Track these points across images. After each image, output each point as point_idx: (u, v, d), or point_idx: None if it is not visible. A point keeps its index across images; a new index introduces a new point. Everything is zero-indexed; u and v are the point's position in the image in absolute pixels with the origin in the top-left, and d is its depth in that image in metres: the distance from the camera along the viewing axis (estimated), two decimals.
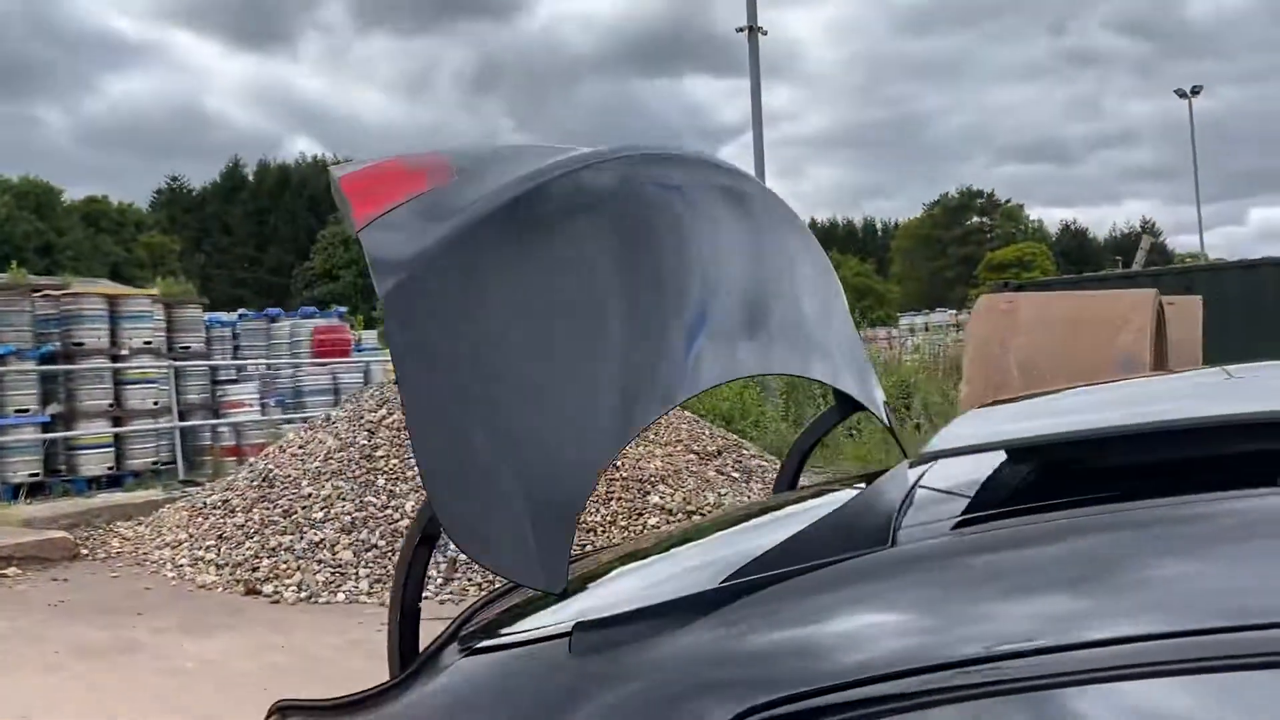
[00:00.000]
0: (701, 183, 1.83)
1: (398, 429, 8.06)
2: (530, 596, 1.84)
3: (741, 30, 15.23)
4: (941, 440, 1.14)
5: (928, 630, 0.97)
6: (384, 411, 8.31)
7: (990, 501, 1.12)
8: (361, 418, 8.32)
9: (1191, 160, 40.57)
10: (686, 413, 9.65)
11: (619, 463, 7.85)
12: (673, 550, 1.75)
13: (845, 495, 1.67)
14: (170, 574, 7.28)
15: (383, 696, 1.50)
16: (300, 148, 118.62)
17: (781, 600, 1.11)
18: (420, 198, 1.53)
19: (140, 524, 8.72)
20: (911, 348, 21.48)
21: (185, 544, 7.70)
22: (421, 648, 1.76)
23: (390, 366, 13.84)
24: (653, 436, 8.55)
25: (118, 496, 9.69)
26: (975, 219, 73.34)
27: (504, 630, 1.58)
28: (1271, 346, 10.70)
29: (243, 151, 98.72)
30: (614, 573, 1.68)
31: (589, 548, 7.05)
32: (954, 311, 31.16)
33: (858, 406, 2.26)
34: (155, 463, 11.27)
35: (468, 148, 1.79)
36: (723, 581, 1.27)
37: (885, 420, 2.34)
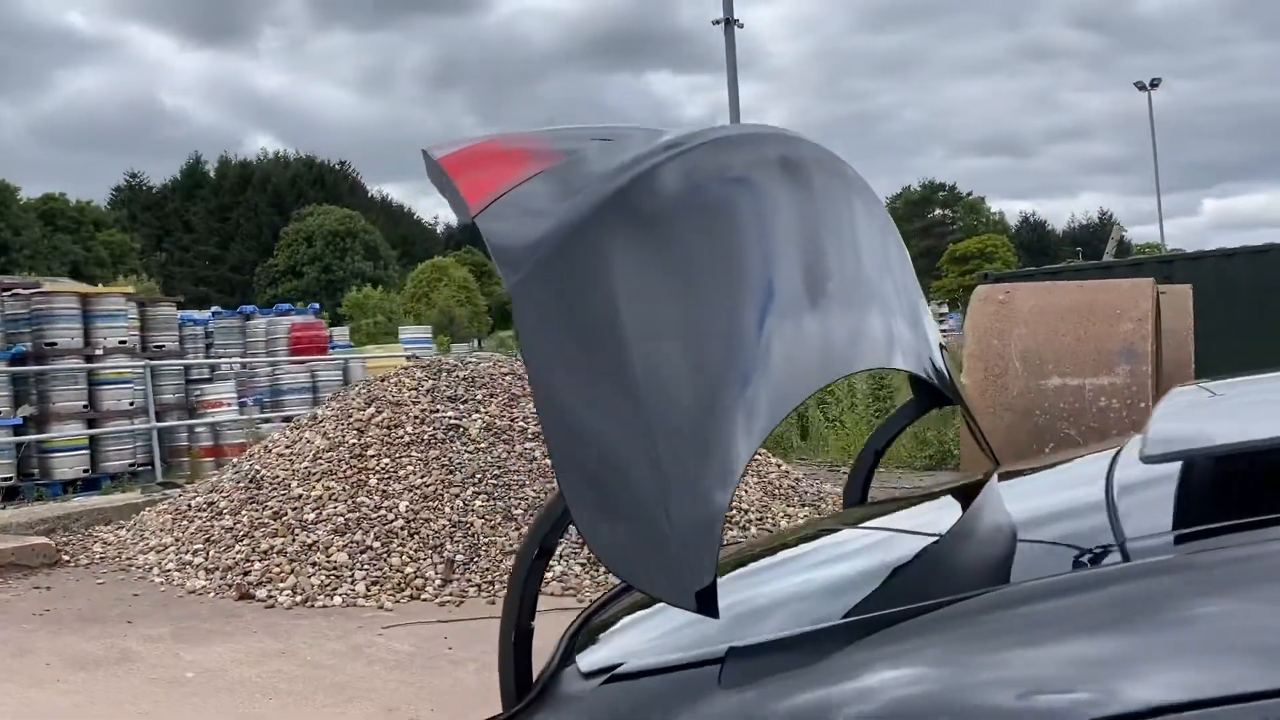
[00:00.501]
0: (800, 160, 1.73)
1: (388, 427, 7.91)
2: (632, 605, 1.73)
3: (718, 23, 15.15)
4: (1170, 439, 1.03)
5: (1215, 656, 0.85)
6: (372, 410, 8.14)
7: (1222, 510, 1.02)
8: (350, 416, 8.15)
9: (1145, 152, 41.12)
10: None
11: None
12: (806, 558, 1.64)
13: (993, 502, 1.57)
14: (158, 579, 7.09)
15: None
16: (261, 144, 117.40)
17: (1012, 624, 0.98)
18: (533, 181, 1.42)
19: (121, 528, 8.50)
20: None
21: (171, 548, 7.51)
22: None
23: (369, 365, 13.65)
24: None
25: (95, 500, 9.45)
26: (937, 211, 73.80)
27: (627, 651, 1.47)
28: (1249, 333, 10.77)
29: (203, 148, 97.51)
30: (738, 582, 1.58)
31: None
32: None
33: (939, 400, 2.16)
34: (132, 464, 11.01)
35: (561, 130, 1.69)
36: (894, 601, 1.17)
37: (971, 414, 2.25)
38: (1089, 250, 55.70)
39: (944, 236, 66.88)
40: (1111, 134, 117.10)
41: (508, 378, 8.61)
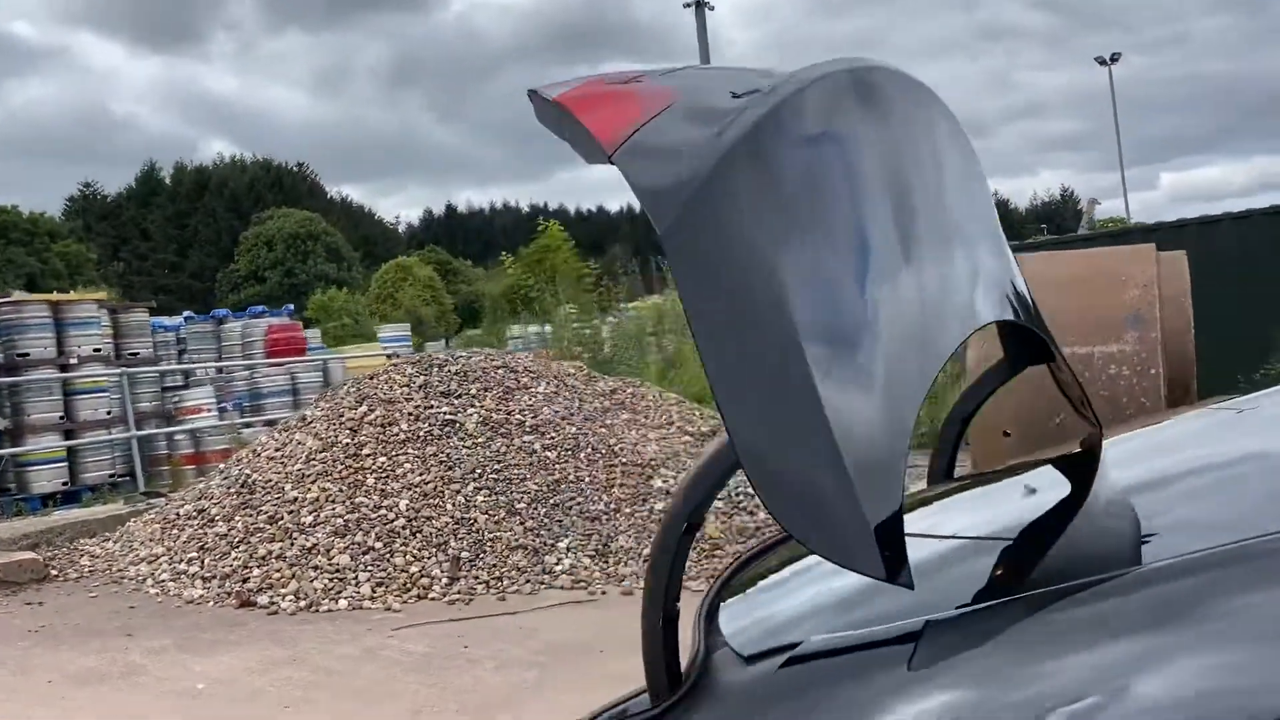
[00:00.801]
0: (902, 91, 1.62)
1: (381, 425, 7.73)
2: (757, 578, 1.60)
3: (689, 5, 15.05)
4: None
5: None
6: (364, 408, 7.94)
7: None
8: (341, 415, 7.95)
9: (1102, 128, 41.50)
10: (671, 394, 9.45)
11: (617, 447, 7.61)
12: (975, 518, 1.52)
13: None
14: (153, 590, 6.87)
15: None
16: (217, 149, 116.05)
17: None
18: (662, 117, 1.29)
19: (107, 540, 8.25)
20: None
21: (163, 558, 7.29)
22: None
23: (349, 365, 13.41)
24: (645, 420, 8.33)
25: (78, 512, 9.19)
26: None
27: (786, 630, 1.34)
28: (1236, 299, 10.77)
29: (157, 155, 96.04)
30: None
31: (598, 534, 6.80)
32: None
33: (1035, 354, 2.04)
34: (112, 475, 10.73)
35: (661, 70, 1.56)
36: (1107, 565, 1.04)
37: (1068, 366, 2.13)
38: (1053, 227, 56.12)
39: None
40: (1069, 111, 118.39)
41: (500, 371, 8.44)
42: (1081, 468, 1.58)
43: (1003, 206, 78.03)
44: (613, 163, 1.23)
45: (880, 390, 1.21)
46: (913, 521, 1.62)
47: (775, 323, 1.15)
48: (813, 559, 1.73)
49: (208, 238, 64.41)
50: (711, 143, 1.22)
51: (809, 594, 1.47)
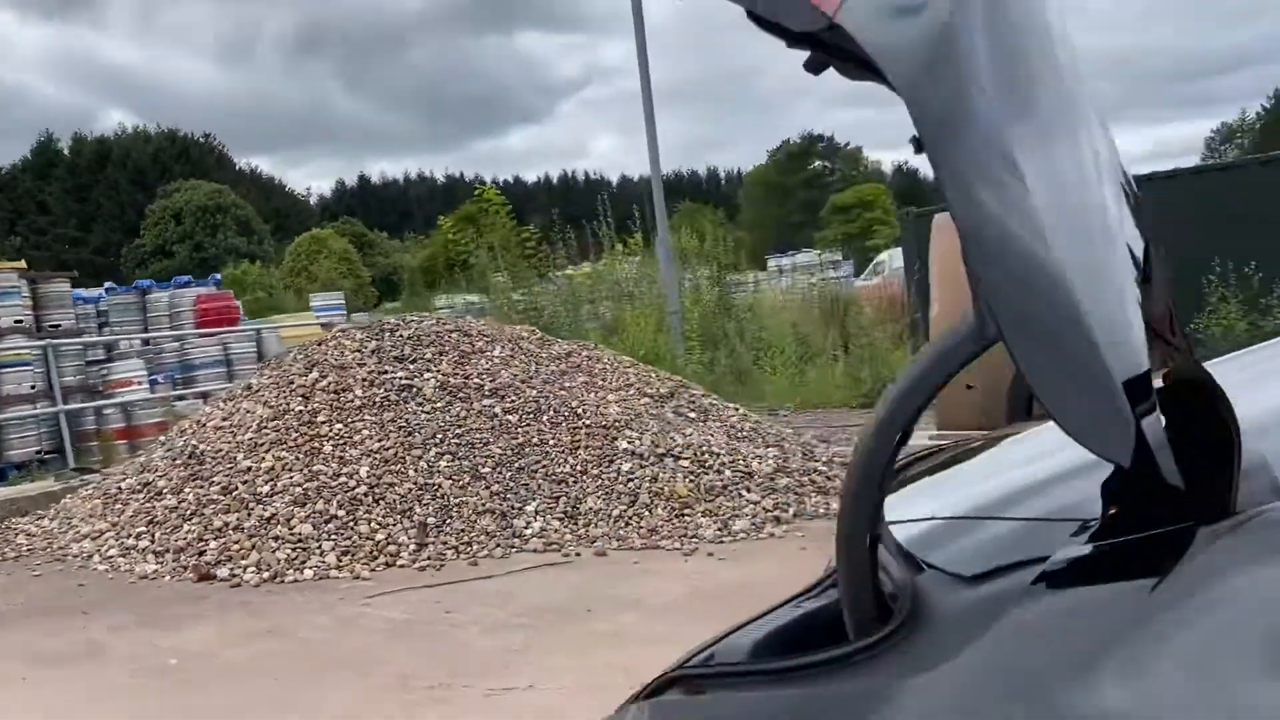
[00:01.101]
0: None
1: (335, 392, 7.49)
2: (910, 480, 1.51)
3: None
4: None
5: None
6: (315, 374, 7.69)
7: None
8: (291, 383, 7.69)
9: None
10: (626, 357, 9.34)
11: (579, 410, 7.49)
12: None
13: None
14: (100, 566, 6.57)
15: (876, 653, 1.11)
16: (117, 119, 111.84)
17: None
18: None
19: (42, 518, 7.91)
20: (786, 288, 21.81)
21: (109, 533, 6.98)
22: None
23: (284, 335, 13.03)
24: (603, 382, 8.21)
25: (6, 491, 8.77)
26: (817, 163, 74.61)
27: (986, 545, 1.25)
28: (1191, 255, 10.94)
29: (53, 126, 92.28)
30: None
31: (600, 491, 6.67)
32: (819, 252, 31.52)
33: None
34: (39, 452, 10.25)
35: None
36: None
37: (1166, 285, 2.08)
38: None
39: (825, 188, 67.64)
40: None
41: (454, 335, 8.24)
42: (1189, 394, 1.52)
43: (912, 175, 79.27)
44: (835, 25, 1.12)
45: (1112, 272, 1.13)
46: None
47: (1014, 180, 1.08)
48: (954, 471, 1.65)
49: (111, 211, 62.22)
50: (931, 5, 1.15)
51: (993, 506, 1.38)
